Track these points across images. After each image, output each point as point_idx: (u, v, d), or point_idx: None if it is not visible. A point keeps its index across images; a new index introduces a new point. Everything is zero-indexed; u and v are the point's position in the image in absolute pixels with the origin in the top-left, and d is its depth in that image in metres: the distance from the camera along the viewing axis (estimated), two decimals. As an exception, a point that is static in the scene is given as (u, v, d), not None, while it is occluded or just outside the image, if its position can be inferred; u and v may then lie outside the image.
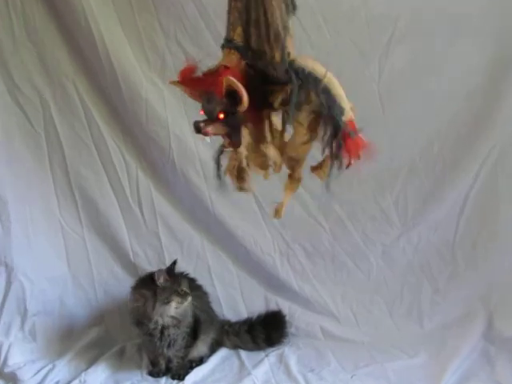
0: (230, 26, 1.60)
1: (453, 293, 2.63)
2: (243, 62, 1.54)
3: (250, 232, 2.69)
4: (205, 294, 2.48)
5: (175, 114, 2.56)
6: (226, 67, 1.53)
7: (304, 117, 1.62)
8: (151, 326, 2.22)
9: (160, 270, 2.22)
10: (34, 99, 2.55)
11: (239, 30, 1.56)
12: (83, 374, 2.25)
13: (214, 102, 1.50)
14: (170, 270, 2.26)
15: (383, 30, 2.46)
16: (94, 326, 2.62)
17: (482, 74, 2.47)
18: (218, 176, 1.74)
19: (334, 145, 1.59)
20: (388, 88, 2.51)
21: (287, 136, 1.77)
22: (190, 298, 2.21)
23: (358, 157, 1.63)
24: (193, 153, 2.59)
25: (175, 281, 2.22)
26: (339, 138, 1.58)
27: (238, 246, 2.69)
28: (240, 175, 1.72)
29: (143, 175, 2.65)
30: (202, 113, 1.54)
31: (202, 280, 2.49)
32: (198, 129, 1.50)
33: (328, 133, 1.58)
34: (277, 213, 1.79)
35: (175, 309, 2.21)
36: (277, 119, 1.73)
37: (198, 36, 2.46)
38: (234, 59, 1.55)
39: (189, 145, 2.58)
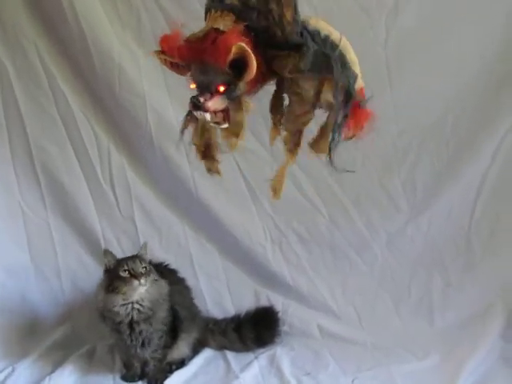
0: None
1: (468, 287, 2.60)
2: (241, 26, 1.45)
3: (238, 217, 2.66)
4: (187, 288, 2.43)
5: (153, 83, 2.51)
6: (221, 31, 1.43)
7: (310, 84, 1.54)
8: (116, 318, 2.16)
9: (106, 250, 2.20)
10: (-12, 63, 2.50)
11: None
12: (47, 379, 2.21)
13: (211, 73, 1.43)
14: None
15: (390, -15, 2.40)
16: (60, 323, 2.58)
17: (503, 35, 2.40)
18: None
19: (340, 114, 1.53)
20: (396, 52, 2.45)
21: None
22: (143, 283, 2.11)
23: (362, 128, 1.58)
24: (173, 127, 2.51)
25: (119, 263, 2.15)
26: (349, 107, 1.52)
27: (224, 233, 2.66)
28: (210, 153, 1.69)
29: (116, 152, 2.61)
30: (193, 86, 1.45)
31: (182, 272, 2.44)
32: (196, 105, 1.42)
33: (338, 101, 1.51)
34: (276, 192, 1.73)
35: (122, 297, 2.13)
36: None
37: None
38: (227, 22, 1.45)
39: (168, 118, 2.54)
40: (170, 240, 2.66)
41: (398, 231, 2.64)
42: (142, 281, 2.12)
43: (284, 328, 2.56)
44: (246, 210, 2.65)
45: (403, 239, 2.65)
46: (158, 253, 2.36)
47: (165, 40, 1.48)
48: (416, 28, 2.42)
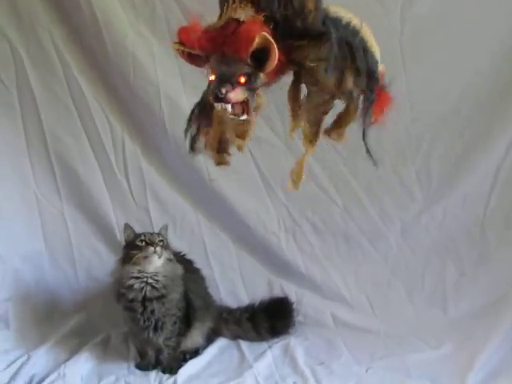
0: None
1: (481, 276, 2.58)
2: (260, 16, 1.44)
3: (252, 206, 2.66)
4: (202, 278, 2.44)
5: (166, 71, 2.51)
6: (241, 22, 1.42)
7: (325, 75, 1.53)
8: (130, 295, 2.18)
9: (127, 224, 2.25)
10: (4, 51, 2.49)
11: None
12: (62, 367, 2.21)
13: (232, 64, 1.42)
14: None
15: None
16: (75, 311, 2.59)
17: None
18: (193, 143, 1.70)
19: (367, 100, 1.53)
20: (411, 41, 2.43)
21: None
22: (158, 252, 2.16)
23: (382, 112, 1.58)
24: (187, 115, 2.48)
25: (137, 235, 2.21)
26: (374, 92, 1.52)
27: (238, 222, 2.66)
28: (223, 147, 1.67)
29: (130, 140, 2.61)
30: (212, 78, 1.44)
31: (196, 261, 2.45)
32: (218, 97, 1.41)
33: (360, 88, 1.51)
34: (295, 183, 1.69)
35: (137, 268, 2.17)
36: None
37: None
38: (248, 12, 1.44)
39: (182, 106, 2.50)
40: (183, 229, 2.67)
41: (413, 220, 2.63)
42: (158, 249, 2.15)
43: (298, 318, 2.56)
44: (260, 200, 2.65)
45: (417, 228, 2.63)
46: (172, 242, 2.32)
47: (184, 31, 1.46)
48: (431, 17, 2.39)
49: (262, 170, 2.61)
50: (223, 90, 1.39)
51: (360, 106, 1.55)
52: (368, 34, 1.52)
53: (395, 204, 2.63)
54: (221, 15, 1.49)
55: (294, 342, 2.41)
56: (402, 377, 2.16)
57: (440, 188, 2.59)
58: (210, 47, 1.43)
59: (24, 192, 2.58)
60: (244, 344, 2.42)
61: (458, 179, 2.57)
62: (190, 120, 1.70)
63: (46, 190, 2.60)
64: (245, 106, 1.47)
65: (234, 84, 1.41)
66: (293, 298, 2.59)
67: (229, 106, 1.44)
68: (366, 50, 1.50)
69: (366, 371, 2.21)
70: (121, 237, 2.39)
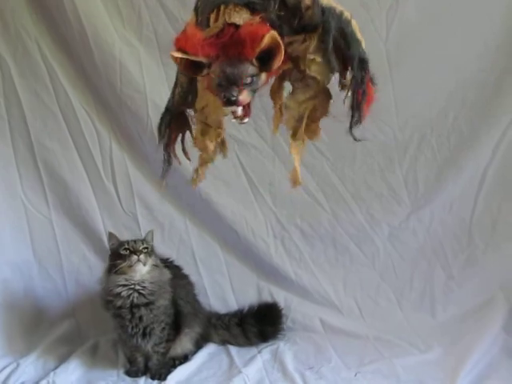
0: None
1: (469, 280, 2.60)
2: (257, 18, 1.44)
3: (240, 212, 2.66)
4: (190, 284, 2.45)
5: (153, 79, 2.52)
6: (238, 26, 1.43)
7: (319, 67, 1.54)
8: (117, 302, 2.18)
9: (111, 233, 2.25)
10: (-10, 60, 2.50)
11: None
12: (52, 374, 2.22)
13: (240, 66, 1.42)
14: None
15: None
16: (64, 319, 2.59)
17: (507, 27, 2.39)
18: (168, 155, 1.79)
19: (358, 93, 1.55)
20: (396, 46, 2.46)
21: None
22: (143, 259, 2.16)
23: (368, 108, 1.60)
24: None
25: (121, 243, 2.21)
26: (365, 82, 1.55)
27: (227, 228, 2.67)
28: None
29: (118, 148, 2.62)
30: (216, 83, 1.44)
31: (185, 267, 2.45)
32: (230, 100, 1.42)
33: (358, 76, 1.53)
34: (295, 181, 1.72)
35: (124, 277, 2.17)
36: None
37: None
38: (244, 15, 1.44)
39: None
40: (172, 235, 2.67)
41: (400, 224, 2.64)
42: (142, 256, 2.16)
43: (287, 323, 2.57)
44: (249, 206, 2.66)
45: (405, 232, 2.65)
46: (161, 248, 2.35)
47: (182, 39, 1.46)
48: (416, 22, 2.42)
49: (250, 175, 2.62)
50: (234, 93, 1.41)
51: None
52: (355, 25, 1.54)
53: (383, 209, 2.64)
54: (213, 20, 1.49)
55: (283, 347, 2.41)
56: (391, 381, 2.17)
57: (427, 192, 2.61)
58: (214, 52, 1.43)
59: (12, 200, 2.58)
60: (233, 349, 2.42)
61: (444, 184, 2.59)
62: (160, 130, 1.75)
63: (34, 198, 2.60)
64: (247, 108, 1.49)
65: (240, 86, 1.42)
66: (282, 303, 2.59)
67: (239, 109, 1.45)
68: (356, 39, 1.53)
69: (355, 375, 2.21)
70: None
